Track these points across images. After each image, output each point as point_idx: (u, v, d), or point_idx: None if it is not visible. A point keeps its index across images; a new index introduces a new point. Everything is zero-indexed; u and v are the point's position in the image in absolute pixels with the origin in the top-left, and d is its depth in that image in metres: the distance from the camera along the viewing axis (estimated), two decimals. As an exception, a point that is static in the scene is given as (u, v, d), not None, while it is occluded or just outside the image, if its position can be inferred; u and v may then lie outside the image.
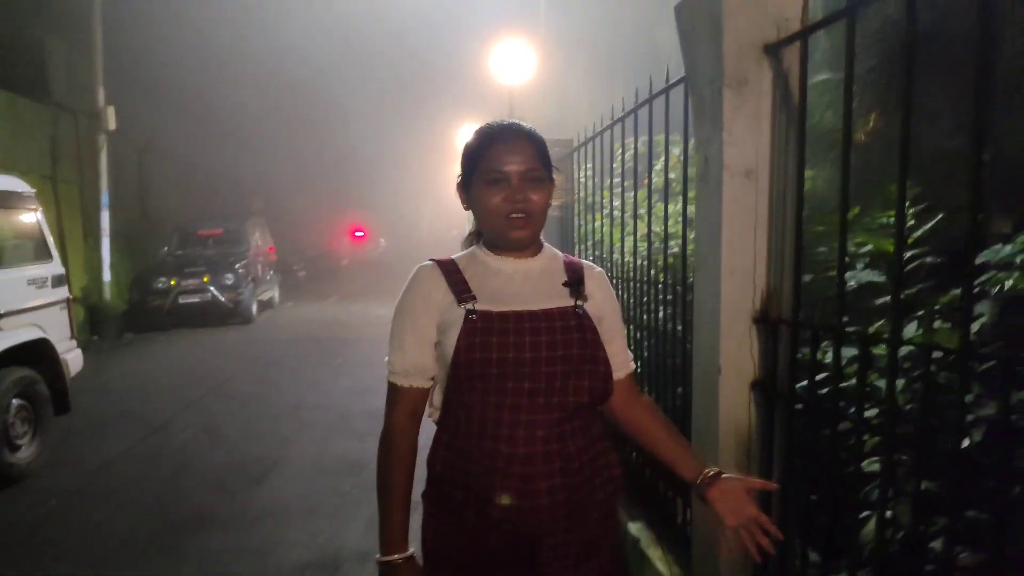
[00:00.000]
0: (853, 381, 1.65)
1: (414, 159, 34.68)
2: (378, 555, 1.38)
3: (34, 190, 5.51)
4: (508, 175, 1.34)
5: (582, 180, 4.14)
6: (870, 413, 1.73)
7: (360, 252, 32.84)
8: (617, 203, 3.34)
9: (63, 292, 5.46)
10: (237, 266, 12.75)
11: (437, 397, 1.44)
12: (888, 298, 1.77)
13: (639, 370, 2.90)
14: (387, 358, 1.43)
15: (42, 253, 5.37)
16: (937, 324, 1.84)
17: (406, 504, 1.40)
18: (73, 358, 5.45)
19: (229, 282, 12.38)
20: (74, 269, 10.80)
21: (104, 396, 6.83)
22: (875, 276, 2.16)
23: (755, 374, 1.83)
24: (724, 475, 1.40)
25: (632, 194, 3.20)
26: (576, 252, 4.11)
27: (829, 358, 1.70)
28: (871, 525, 1.68)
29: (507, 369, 1.31)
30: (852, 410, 1.62)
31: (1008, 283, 1.73)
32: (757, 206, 1.82)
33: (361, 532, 3.57)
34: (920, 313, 1.96)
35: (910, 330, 1.83)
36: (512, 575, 1.35)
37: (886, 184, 2.23)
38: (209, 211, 16.31)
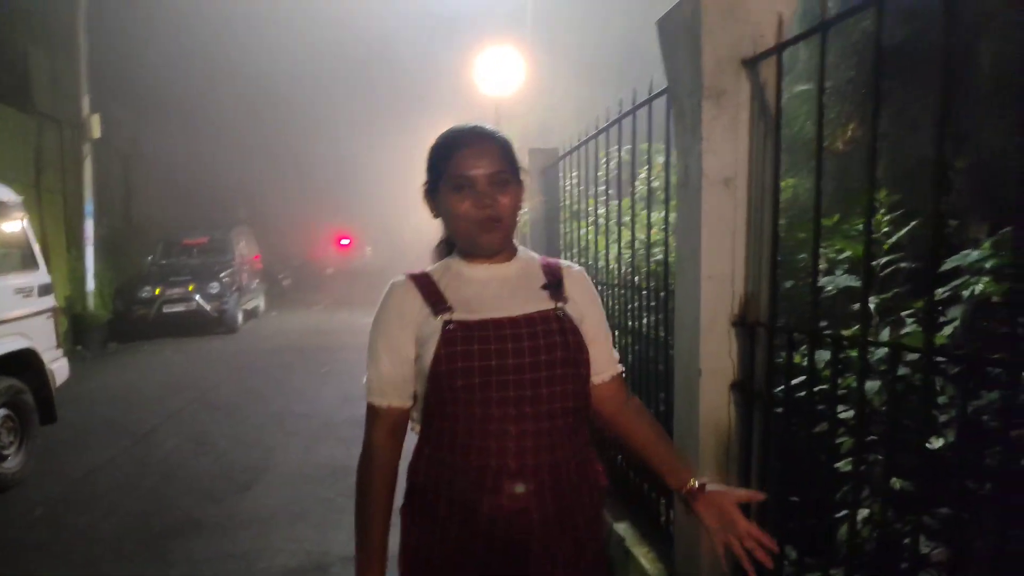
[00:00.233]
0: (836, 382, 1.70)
1: (400, 167, 34.65)
2: None
3: (20, 198, 5.50)
4: (474, 180, 1.31)
5: (568, 188, 4.20)
6: (846, 415, 1.79)
7: (346, 260, 32.75)
8: (602, 211, 3.40)
9: (49, 301, 5.45)
10: (222, 275, 12.72)
11: (418, 411, 1.40)
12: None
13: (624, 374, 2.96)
14: (364, 379, 1.40)
15: (28, 262, 5.36)
16: (912, 327, 1.90)
17: (385, 527, 1.36)
18: (59, 368, 5.43)
19: (214, 291, 12.37)
20: (57, 278, 10.71)
21: (89, 406, 6.80)
22: (852, 281, 2.22)
23: (734, 375, 1.89)
24: (710, 487, 1.39)
25: (617, 202, 3.26)
26: (562, 259, 4.17)
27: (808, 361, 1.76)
28: (861, 516, 1.73)
29: (490, 378, 1.28)
30: (825, 409, 1.68)
31: (978, 287, 1.80)
32: (735, 213, 1.89)
33: (347, 538, 3.57)
34: (892, 318, 2.03)
35: (888, 334, 1.90)
36: None
37: (865, 192, 2.30)
38: (194, 219, 16.26)
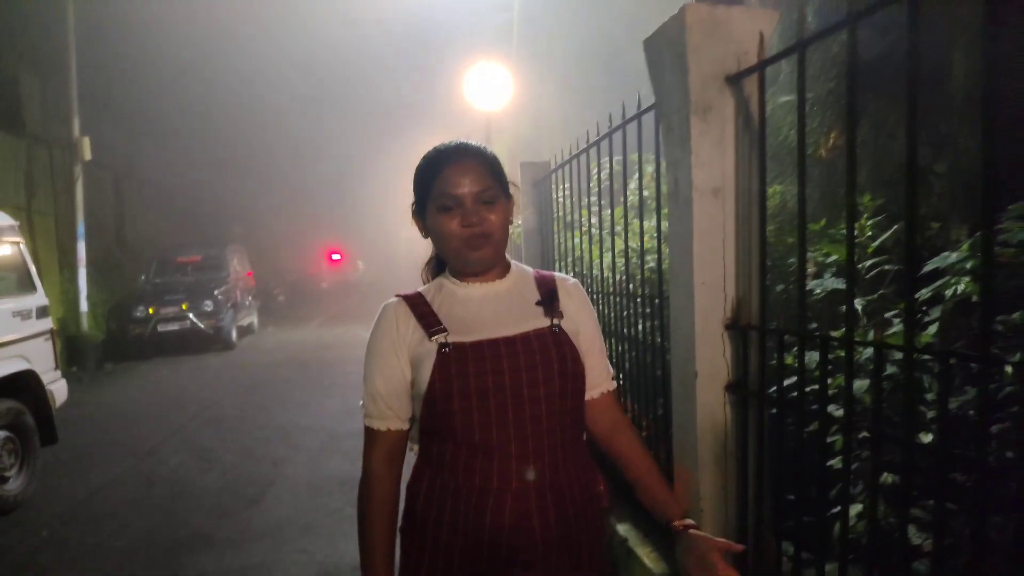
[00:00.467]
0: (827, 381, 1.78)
1: (391, 182, 34.81)
2: None
3: (17, 222, 5.56)
4: (461, 199, 1.29)
5: (560, 200, 4.30)
6: (837, 413, 1.87)
7: (339, 275, 32.78)
8: (595, 221, 3.49)
9: (47, 323, 5.50)
10: (216, 292, 12.76)
11: (416, 432, 1.39)
12: (854, 303, 1.92)
13: (620, 382, 3.04)
14: (360, 402, 1.40)
15: (25, 285, 5.41)
16: (899, 327, 1.99)
17: (388, 552, 1.35)
18: (58, 388, 5.48)
19: (208, 308, 12.39)
20: (50, 300, 10.67)
21: (88, 426, 6.83)
22: (839, 284, 2.31)
23: (728, 376, 1.97)
24: (692, 532, 1.38)
25: (609, 212, 3.36)
26: (556, 269, 4.26)
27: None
28: (854, 511, 1.81)
29: (488, 400, 1.26)
30: (817, 407, 1.76)
31: (960, 288, 1.89)
32: (725, 222, 1.97)
33: (357, 548, 3.65)
34: (887, 315, 2.12)
35: (874, 334, 1.98)
36: None
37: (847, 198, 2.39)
38: (187, 238, 16.31)
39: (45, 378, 5.23)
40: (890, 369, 1.86)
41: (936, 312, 1.94)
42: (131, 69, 14.52)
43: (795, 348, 1.90)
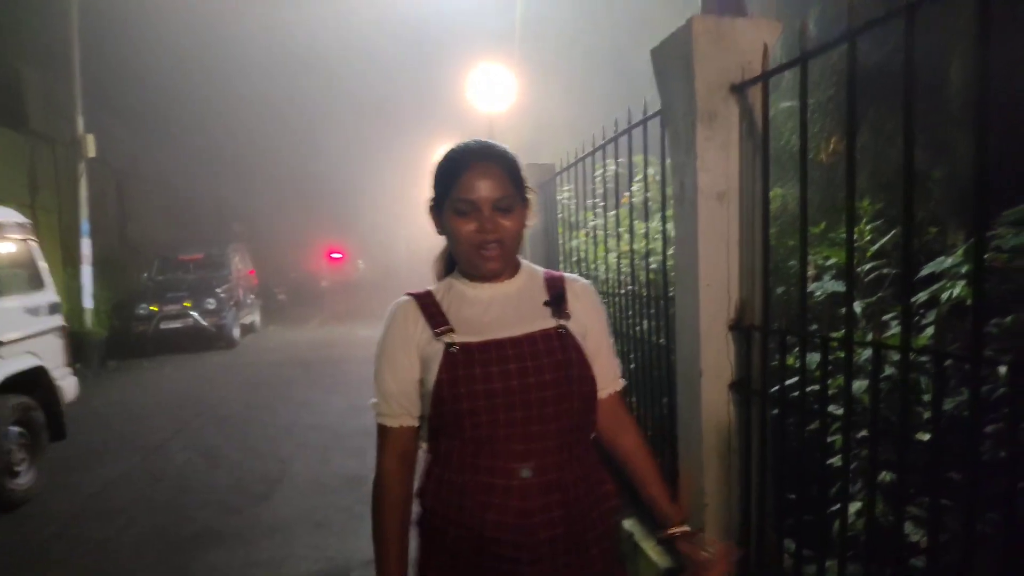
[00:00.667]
0: (828, 381, 1.83)
1: (391, 180, 34.86)
2: None
3: (29, 220, 5.62)
4: (479, 205, 1.30)
5: (564, 202, 4.37)
6: (838, 413, 1.94)
7: (339, 274, 32.85)
8: (600, 222, 3.56)
9: (57, 320, 5.56)
10: (218, 290, 12.83)
11: (426, 430, 1.40)
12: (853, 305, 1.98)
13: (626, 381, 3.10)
14: (372, 400, 1.42)
15: (36, 282, 5.47)
16: (897, 329, 2.05)
17: (401, 549, 1.38)
18: (68, 385, 5.54)
19: (211, 307, 12.47)
20: (56, 297, 10.80)
21: (94, 422, 6.88)
22: (839, 287, 2.37)
23: (732, 375, 2.05)
24: (693, 539, 1.43)
25: (614, 214, 3.42)
26: (561, 268, 4.33)
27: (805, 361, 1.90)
28: (852, 509, 1.87)
29: (495, 400, 1.28)
30: (818, 407, 1.82)
31: (955, 291, 1.95)
32: (729, 225, 2.04)
33: (367, 543, 3.67)
34: (884, 318, 2.18)
35: (872, 336, 2.05)
36: None
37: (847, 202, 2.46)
38: (189, 236, 16.38)
39: (55, 374, 5.29)
40: (888, 370, 1.93)
41: (932, 315, 2.00)
42: (134, 66, 14.58)
43: (796, 348, 1.97)
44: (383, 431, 1.40)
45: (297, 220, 30.24)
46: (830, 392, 1.81)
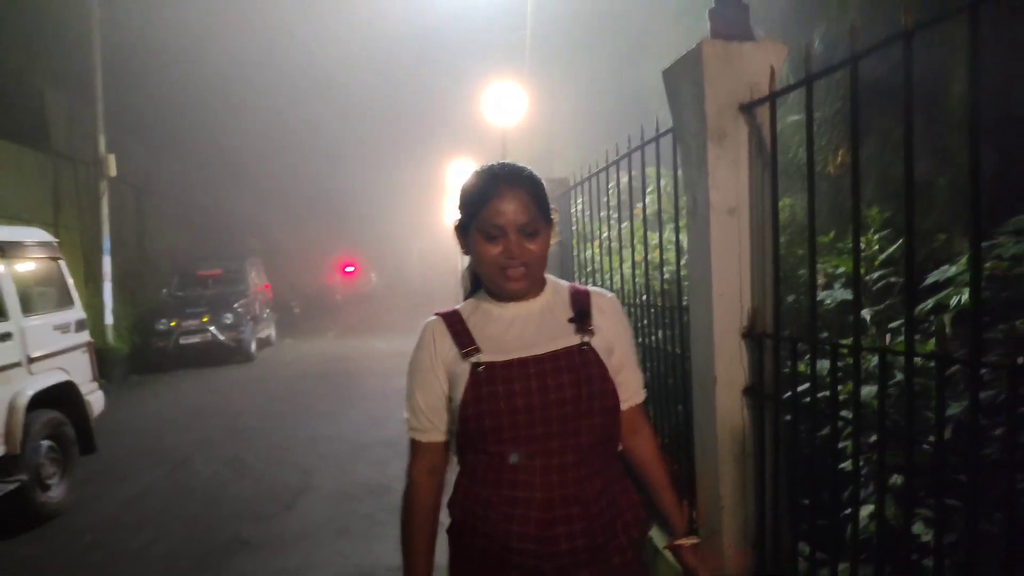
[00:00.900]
0: (839, 387, 1.91)
1: (404, 194, 35.14)
2: None
3: (57, 240, 5.79)
4: (505, 230, 1.34)
5: (578, 215, 4.47)
6: (848, 418, 2.01)
7: (353, 287, 33.06)
8: (614, 233, 3.66)
9: (85, 336, 5.73)
10: (236, 305, 13.00)
11: (455, 444, 1.45)
12: (861, 312, 2.07)
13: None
14: (405, 415, 1.48)
15: (65, 299, 5.64)
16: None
17: (428, 557, 1.44)
18: (96, 399, 5.69)
19: (228, 321, 12.63)
20: (78, 314, 11.00)
21: (119, 436, 7.01)
22: (848, 295, 2.45)
23: (745, 381, 2.13)
24: (696, 551, 1.56)
25: (628, 226, 3.53)
26: (576, 280, 4.43)
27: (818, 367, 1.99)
28: (864, 513, 1.93)
29: (517, 418, 1.32)
30: (829, 411, 1.90)
31: (962, 299, 2.03)
32: (740, 238, 2.14)
33: (391, 549, 3.77)
34: (891, 325, 2.26)
35: (877, 342, 2.13)
36: None
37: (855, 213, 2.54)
38: (205, 251, 16.58)
39: (84, 389, 5.44)
40: (899, 376, 2.00)
41: (939, 321, 2.08)
42: (151, 85, 14.83)
43: (807, 355, 2.05)
44: (414, 445, 1.47)
45: (310, 233, 30.52)
46: (841, 398, 1.89)
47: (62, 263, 5.74)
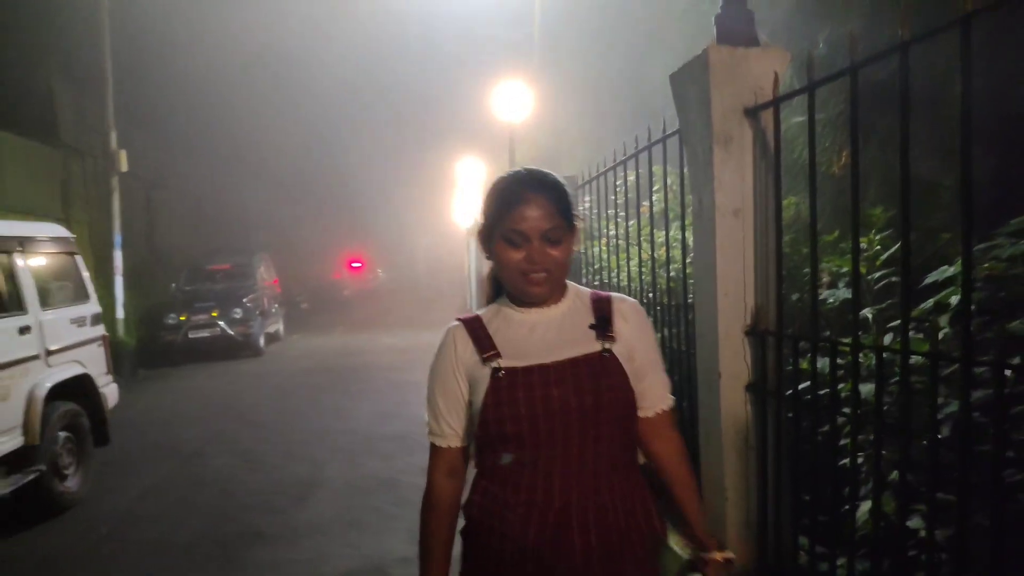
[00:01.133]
0: (839, 385, 1.96)
1: (412, 190, 35.21)
2: None
3: (74, 235, 5.89)
4: (529, 236, 1.34)
5: (585, 212, 4.54)
6: (849, 414, 2.07)
7: (360, 283, 33.16)
8: (621, 231, 3.73)
9: (100, 330, 5.82)
10: (245, 300, 13.07)
11: (474, 446, 1.46)
12: (862, 312, 2.14)
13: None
14: (425, 419, 1.49)
15: (81, 294, 5.73)
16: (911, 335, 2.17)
17: (445, 558, 1.45)
18: (110, 392, 5.80)
19: (237, 316, 12.71)
20: (89, 308, 11.10)
21: (132, 429, 7.09)
22: (850, 294, 2.51)
23: (749, 377, 2.21)
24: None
25: (636, 224, 3.59)
26: (583, 277, 4.50)
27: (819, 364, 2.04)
28: (862, 509, 1.99)
29: (537, 424, 1.33)
30: (829, 407, 1.97)
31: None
32: (744, 238, 2.21)
33: (401, 542, 3.91)
34: (891, 324, 2.32)
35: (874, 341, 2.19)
36: None
37: (862, 210, 2.59)
38: (213, 245, 16.66)
39: (99, 382, 5.54)
40: (898, 374, 2.06)
41: (940, 320, 2.14)
42: (160, 79, 14.89)
43: (809, 353, 2.12)
44: (434, 449, 1.49)
45: (318, 229, 30.64)
46: (842, 394, 1.95)
47: (78, 258, 5.84)
